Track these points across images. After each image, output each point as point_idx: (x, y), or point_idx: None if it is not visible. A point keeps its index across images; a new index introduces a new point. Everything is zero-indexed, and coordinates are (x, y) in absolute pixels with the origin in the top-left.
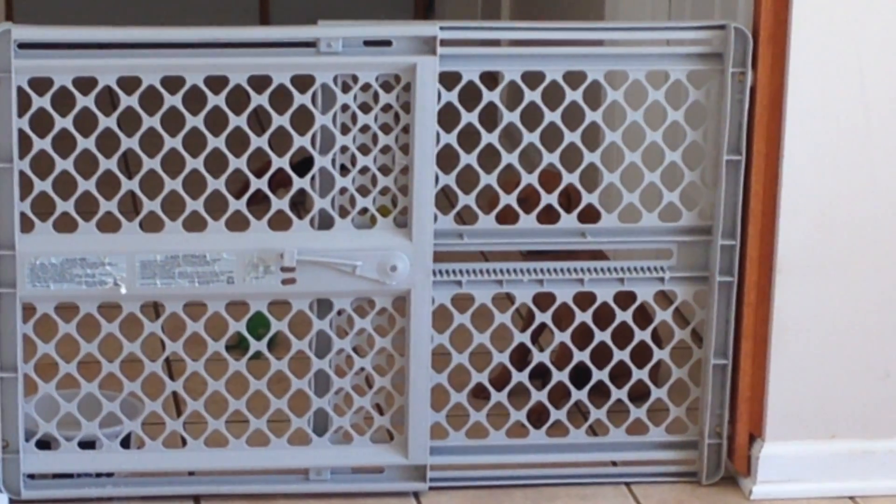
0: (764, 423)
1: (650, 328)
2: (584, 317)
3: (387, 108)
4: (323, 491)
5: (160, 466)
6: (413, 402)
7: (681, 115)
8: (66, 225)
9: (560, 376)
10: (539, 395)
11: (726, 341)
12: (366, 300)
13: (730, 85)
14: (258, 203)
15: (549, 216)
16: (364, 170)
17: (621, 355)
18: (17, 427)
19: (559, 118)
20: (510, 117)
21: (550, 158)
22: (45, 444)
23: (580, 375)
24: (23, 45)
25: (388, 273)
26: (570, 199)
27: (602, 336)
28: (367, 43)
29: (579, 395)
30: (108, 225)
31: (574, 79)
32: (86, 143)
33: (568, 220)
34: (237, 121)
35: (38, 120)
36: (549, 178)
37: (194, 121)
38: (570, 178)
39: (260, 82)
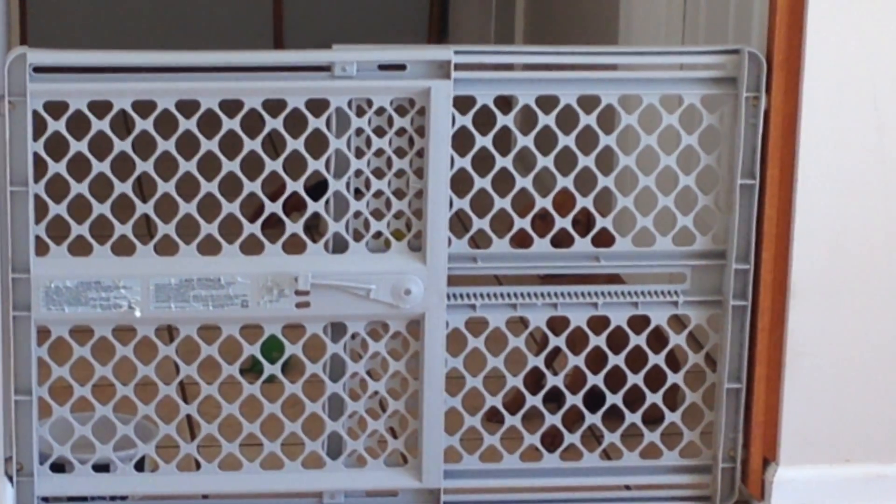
0: (778, 447)
1: (664, 352)
2: (598, 340)
3: (401, 131)
4: None
5: (174, 490)
6: (427, 426)
7: (695, 139)
8: (80, 248)
9: (574, 400)
10: (553, 419)
11: (740, 365)
12: (380, 324)
13: (744, 109)
14: (272, 227)
15: (567, 238)
16: (378, 193)
17: (635, 379)
18: (32, 450)
19: (573, 142)
20: (524, 141)
21: (564, 182)
22: (59, 467)
23: (594, 399)
24: (38, 69)
25: (402, 297)
26: (589, 217)
27: (616, 360)
28: (382, 67)
29: (593, 418)
30: (123, 248)
31: (588, 103)
32: (101, 167)
33: (582, 244)
34: (252, 144)
35: (53, 143)
36: (565, 200)
37: (209, 144)
38: (584, 202)
39: (274, 106)
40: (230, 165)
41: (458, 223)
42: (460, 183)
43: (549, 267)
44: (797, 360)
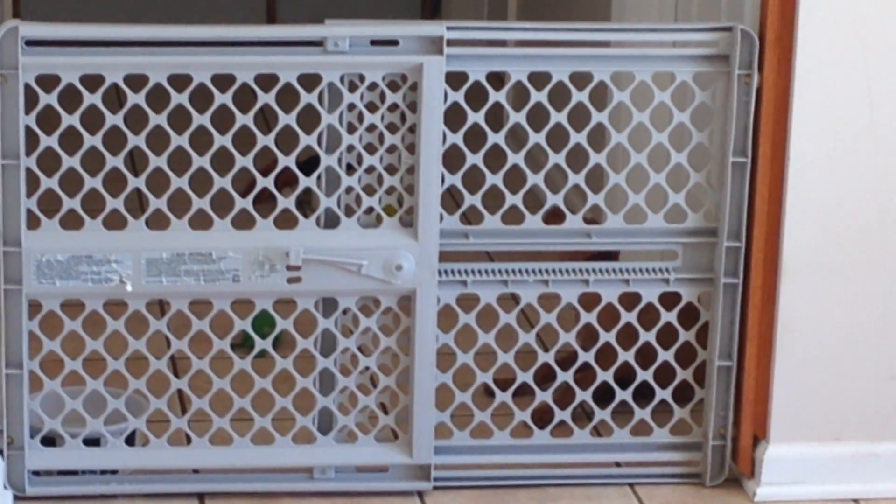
0: (768, 425)
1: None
2: (589, 317)
3: (393, 107)
4: (327, 490)
5: (165, 464)
6: (418, 402)
7: (687, 116)
8: (72, 222)
9: (565, 377)
10: (543, 396)
11: (731, 343)
12: (371, 299)
13: (736, 87)
14: (264, 202)
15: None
16: (370, 169)
17: (625, 356)
18: (22, 424)
19: (565, 119)
20: (516, 118)
21: (556, 159)
22: (49, 440)
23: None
24: (30, 42)
25: (393, 272)
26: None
27: (607, 337)
28: (374, 42)
29: (584, 395)
30: (115, 222)
31: (580, 80)
32: (92, 141)
33: (573, 221)
34: (244, 119)
35: (45, 117)
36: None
37: (201, 119)
38: (576, 179)
39: (267, 81)
40: (222, 140)
41: (450, 199)
42: (452, 159)
43: (540, 243)
44: (788, 338)
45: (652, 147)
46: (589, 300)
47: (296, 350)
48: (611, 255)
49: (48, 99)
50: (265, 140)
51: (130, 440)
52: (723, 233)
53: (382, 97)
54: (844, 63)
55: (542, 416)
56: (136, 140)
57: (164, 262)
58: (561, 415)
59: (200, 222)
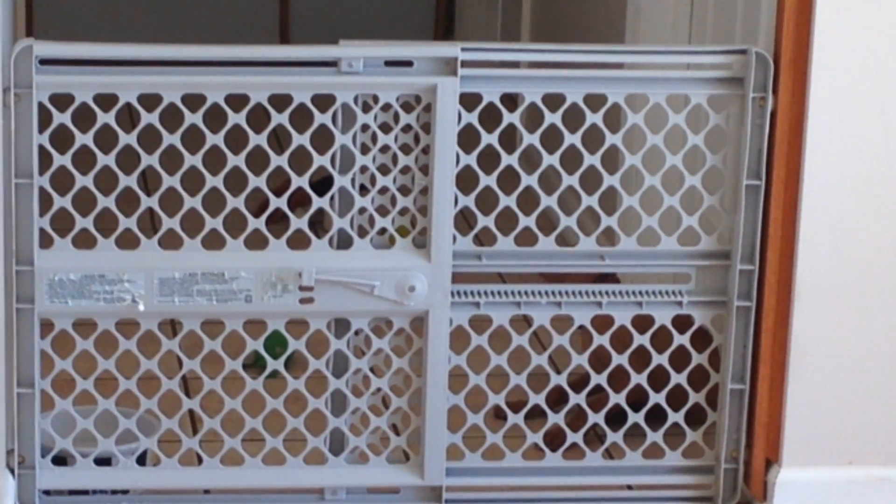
0: (781, 448)
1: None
2: (602, 339)
3: (407, 128)
4: None
5: (176, 484)
6: (429, 423)
7: (701, 139)
8: (85, 241)
9: (577, 399)
10: (556, 418)
11: (744, 366)
12: (383, 320)
13: (750, 109)
14: (277, 222)
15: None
16: (383, 190)
17: (639, 378)
18: (34, 443)
19: (579, 140)
20: (530, 139)
21: (570, 181)
22: (61, 460)
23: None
24: (44, 61)
25: (406, 293)
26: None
27: (619, 359)
28: (389, 63)
29: (596, 417)
30: (127, 242)
31: (594, 101)
32: (106, 160)
33: (586, 243)
34: (257, 139)
35: (58, 136)
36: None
37: (214, 139)
38: (589, 201)
39: (280, 101)
40: (235, 160)
41: (463, 220)
42: (465, 180)
43: (553, 265)
44: (801, 362)
45: (666, 169)
46: (601, 322)
47: (308, 371)
48: (611, 278)
49: (62, 118)
50: (278, 160)
51: (142, 460)
52: (736, 256)
53: (396, 118)
54: (859, 86)
55: (555, 439)
56: (149, 159)
57: (177, 281)
58: (573, 437)
59: (213, 242)
